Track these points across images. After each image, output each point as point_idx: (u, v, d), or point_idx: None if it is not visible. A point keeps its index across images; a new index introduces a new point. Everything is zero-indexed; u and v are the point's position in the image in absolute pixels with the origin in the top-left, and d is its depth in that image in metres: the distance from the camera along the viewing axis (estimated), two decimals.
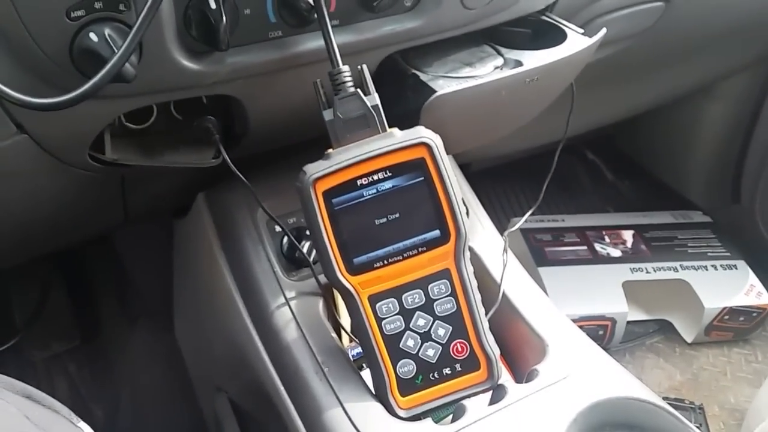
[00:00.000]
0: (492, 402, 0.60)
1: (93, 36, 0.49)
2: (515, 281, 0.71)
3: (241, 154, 0.66)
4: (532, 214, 0.83)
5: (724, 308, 1.16)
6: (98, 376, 1.06)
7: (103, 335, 1.09)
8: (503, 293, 0.69)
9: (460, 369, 0.60)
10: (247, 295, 0.70)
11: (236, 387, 0.77)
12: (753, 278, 1.21)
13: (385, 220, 0.57)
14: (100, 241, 1.04)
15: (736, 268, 1.23)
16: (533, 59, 0.67)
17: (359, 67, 0.57)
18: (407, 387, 0.59)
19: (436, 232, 0.58)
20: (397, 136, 0.56)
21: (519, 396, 0.59)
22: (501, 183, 1.42)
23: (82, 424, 0.47)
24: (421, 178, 0.57)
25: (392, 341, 0.59)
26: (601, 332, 1.15)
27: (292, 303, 0.67)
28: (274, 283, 0.69)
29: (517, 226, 0.84)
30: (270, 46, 0.57)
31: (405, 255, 0.58)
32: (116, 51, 0.48)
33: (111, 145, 0.61)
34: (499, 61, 0.69)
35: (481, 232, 0.77)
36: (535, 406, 0.59)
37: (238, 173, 0.64)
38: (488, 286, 0.69)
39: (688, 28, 0.96)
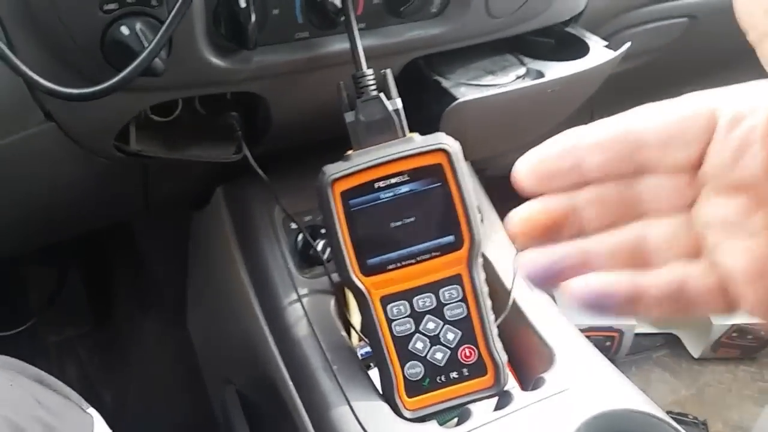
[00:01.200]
0: (497, 408, 0.60)
1: (124, 29, 0.49)
2: (525, 290, 0.72)
3: (261, 150, 0.66)
4: None
5: (733, 326, 1.16)
6: (108, 362, 1.07)
7: (115, 322, 1.11)
8: (513, 301, 0.70)
9: (467, 373, 0.60)
10: (261, 290, 0.71)
11: (245, 380, 0.78)
12: None
13: (400, 223, 0.58)
14: (118, 230, 1.05)
15: None
16: (555, 70, 0.68)
17: (383, 71, 0.58)
18: (414, 388, 0.60)
19: (450, 238, 0.58)
20: (417, 141, 0.57)
21: (524, 403, 0.60)
22: (515, 190, 1.41)
23: (92, 410, 0.48)
24: (438, 184, 0.57)
25: (401, 343, 0.59)
26: (608, 343, 1.15)
27: (304, 300, 0.68)
28: (288, 279, 0.69)
29: None
30: (296, 47, 0.58)
31: (418, 259, 0.58)
32: (147, 45, 0.48)
33: (135, 137, 0.62)
34: (522, 70, 0.69)
35: (494, 239, 0.77)
36: (539, 414, 0.60)
37: (258, 169, 0.64)
38: (499, 293, 0.70)
39: (711, 43, 0.96)
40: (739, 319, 1.16)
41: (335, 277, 0.65)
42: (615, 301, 0.29)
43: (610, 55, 0.69)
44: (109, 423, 0.49)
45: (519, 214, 0.31)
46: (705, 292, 0.28)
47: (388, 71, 0.58)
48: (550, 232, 0.31)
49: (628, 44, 0.70)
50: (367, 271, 0.58)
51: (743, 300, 0.27)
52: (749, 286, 0.27)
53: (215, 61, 0.55)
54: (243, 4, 0.52)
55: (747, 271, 0.27)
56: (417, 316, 0.59)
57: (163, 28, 0.48)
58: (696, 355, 1.20)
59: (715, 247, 0.28)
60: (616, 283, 0.29)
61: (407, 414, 0.59)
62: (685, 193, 0.29)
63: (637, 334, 1.17)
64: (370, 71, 0.57)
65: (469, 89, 0.65)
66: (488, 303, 0.60)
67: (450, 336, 0.60)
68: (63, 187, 0.69)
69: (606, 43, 0.72)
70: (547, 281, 0.31)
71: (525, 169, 0.31)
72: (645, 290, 0.29)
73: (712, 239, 0.28)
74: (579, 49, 0.71)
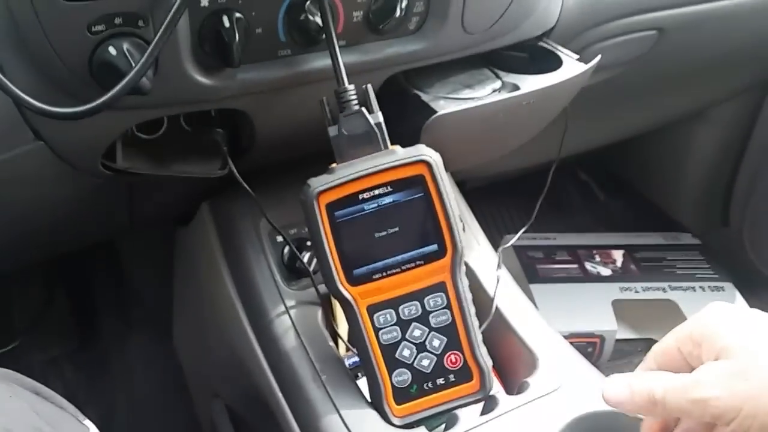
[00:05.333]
0: (484, 412, 0.62)
1: (112, 50, 0.51)
2: (508, 296, 0.73)
3: (246, 166, 0.68)
4: (525, 232, 0.85)
5: None
6: (94, 381, 1.07)
7: (101, 341, 1.10)
8: (496, 307, 0.71)
9: (453, 379, 0.61)
10: (248, 303, 0.72)
11: (234, 393, 0.78)
12: (740, 300, 1.23)
13: (384, 233, 0.59)
14: (102, 248, 1.05)
15: (724, 290, 1.25)
16: (530, 83, 0.70)
17: (364, 86, 0.59)
18: (402, 396, 0.61)
19: (434, 247, 0.60)
20: (399, 153, 0.58)
21: (510, 407, 0.61)
22: (495, 201, 1.44)
23: (88, 423, 0.49)
24: (421, 194, 0.59)
25: (389, 351, 0.60)
26: (590, 349, 1.17)
27: (292, 312, 0.69)
28: (275, 291, 0.70)
29: (510, 243, 0.86)
30: (279, 64, 0.60)
31: (403, 268, 0.60)
32: (134, 65, 0.50)
33: (122, 154, 0.63)
34: (498, 84, 0.71)
35: (476, 248, 0.79)
36: (525, 417, 0.61)
37: (244, 183, 0.66)
38: (482, 300, 0.71)
39: (680, 56, 0.98)
40: None
41: (322, 288, 0.66)
42: None
43: (583, 67, 0.71)
44: None
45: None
46: None
47: (369, 86, 0.59)
48: None
49: (598, 57, 0.72)
50: (354, 281, 0.59)
51: None
52: None
53: (200, 79, 0.56)
54: (227, 24, 0.54)
55: None
56: (403, 324, 0.60)
57: (150, 48, 0.50)
58: None
59: None
60: None
61: (396, 421, 0.60)
62: None
63: (618, 340, 1.18)
64: (351, 87, 0.59)
65: (448, 102, 0.67)
66: (472, 309, 0.61)
67: (436, 343, 0.61)
68: (50, 206, 0.69)
69: (578, 56, 0.74)
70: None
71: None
72: None
73: None
74: (552, 63, 0.73)
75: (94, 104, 0.50)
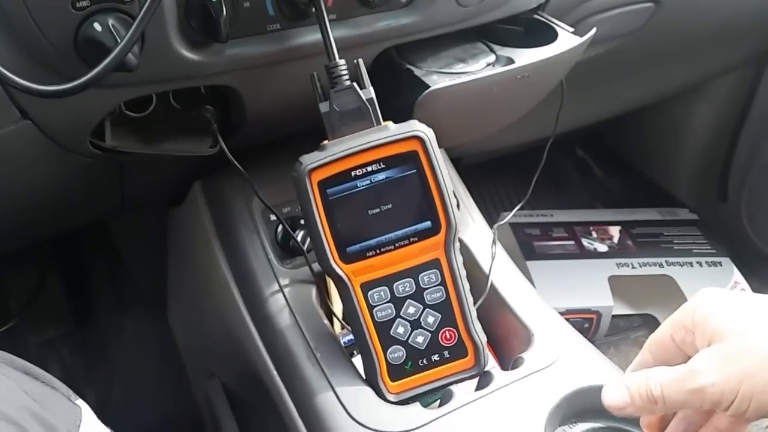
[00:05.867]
0: (478, 388, 0.62)
1: (97, 26, 0.50)
2: (503, 273, 0.73)
3: (238, 143, 0.67)
4: (521, 209, 0.84)
5: None
6: (91, 361, 1.07)
7: (97, 322, 1.10)
8: (491, 284, 0.71)
9: (448, 356, 0.61)
10: (242, 282, 0.71)
11: (229, 372, 0.78)
12: (737, 275, 1.23)
13: (378, 210, 0.59)
14: (96, 228, 1.05)
15: (721, 265, 1.25)
16: (524, 57, 0.69)
17: (355, 61, 0.59)
18: (397, 372, 0.61)
19: (428, 223, 0.59)
20: (391, 129, 0.58)
21: (504, 382, 0.61)
22: (491, 178, 1.43)
23: (81, 402, 0.49)
24: (414, 170, 0.58)
25: (383, 328, 0.60)
26: (586, 325, 1.17)
27: (286, 290, 0.69)
28: (269, 270, 0.70)
29: (506, 220, 0.85)
30: (268, 39, 0.59)
31: (397, 245, 0.59)
32: (119, 41, 0.49)
33: (111, 133, 0.62)
34: (492, 58, 0.70)
35: (471, 225, 0.78)
36: (519, 392, 0.61)
37: (235, 162, 0.65)
38: (477, 277, 0.71)
39: (677, 29, 0.97)
40: None
41: (316, 266, 0.66)
42: None
43: (578, 40, 0.70)
44: None
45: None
46: None
47: (360, 61, 0.59)
48: None
49: (594, 30, 0.71)
50: (347, 258, 0.59)
51: None
52: None
53: (188, 54, 0.55)
54: None
55: None
56: (397, 301, 0.60)
57: (135, 23, 0.49)
58: None
59: None
60: None
61: (391, 397, 0.60)
62: None
63: (614, 316, 1.19)
64: (342, 61, 0.58)
65: (441, 77, 0.66)
66: (467, 286, 0.61)
67: (430, 319, 0.61)
68: (39, 185, 0.69)
69: (573, 29, 0.73)
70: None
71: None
72: None
73: None
74: (547, 36, 0.72)
75: (79, 82, 0.49)
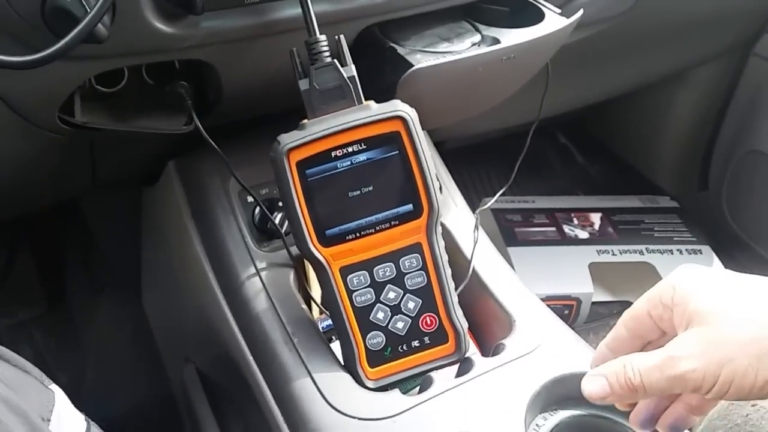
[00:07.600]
0: (459, 374, 0.61)
1: None
2: (485, 258, 0.72)
3: (214, 122, 0.65)
4: (503, 195, 0.83)
5: None
6: (64, 344, 1.05)
7: (69, 304, 1.08)
8: (473, 269, 0.70)
9: (428, 342, 0.60)
10: (218, 266, 0.70)
11: (205, 357, 0.77)
12: (717, 263, 1.23)
13: (358, 192, 0.57)
14: (68, 208, 1.02)
15: (701, 253, 1.25)
16: (510, 37, 0.67)
17: (336, 37, 0.57)
18: (376, 358, 0.60)
19: (409, 207, 0.58)
20: (373, 109, 0.56)
21: (485, 369, 0.60)
22: (474, 163, 1.42)
23: (54, 387, 0.47)
24: (396, 152, 0.57)
25: (362, 313, 0.59)
26: (566, 312, 1.17)
27: (263, 274, 0.67)
28: (245, 253, 0.68)
29: (488, 205, 0.85)
30: (246, 12, 0.57)
31: (377, 228, 0.58)
32: (89, 10, 0.47)
33: (81, 108, 0.60)
34: (477, 37, 0.69)
35: (453, 209, 0.77)
36: (500, 378, 0.60)
37: (211, 141, 0.63)
38: (459, 262, 0.70)
39: (663, 13, 0.97)
40: None
41: (294, 249, 0.65)
42: None
43: (565, 21, 0.69)
44: None
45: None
46: None
47: (342, 37, 0.57)
48: None
49: (581, 11, 0.70)
50: (326, 242, 0.58)
51: None
52: None
53: (161, 26, 0.53)
54: None
55: None
56: (377, 286, 0.59)
57: None
58: None
59: None
60: None
61: (369, 384, 0.59)
62: None
63: (594, 303, 1.19)
64: (323, 37, 0.56)
65: (425, 56, 0.64)
66: (448, 271, 0.60)
67: (411, 305, 0.60)
68: (6, 161, 0.66)
69: (560, 10, 0.72)
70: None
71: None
72: None
73: None
74: (533, 16, 0.71)
75: (46, 53, 0.47)
